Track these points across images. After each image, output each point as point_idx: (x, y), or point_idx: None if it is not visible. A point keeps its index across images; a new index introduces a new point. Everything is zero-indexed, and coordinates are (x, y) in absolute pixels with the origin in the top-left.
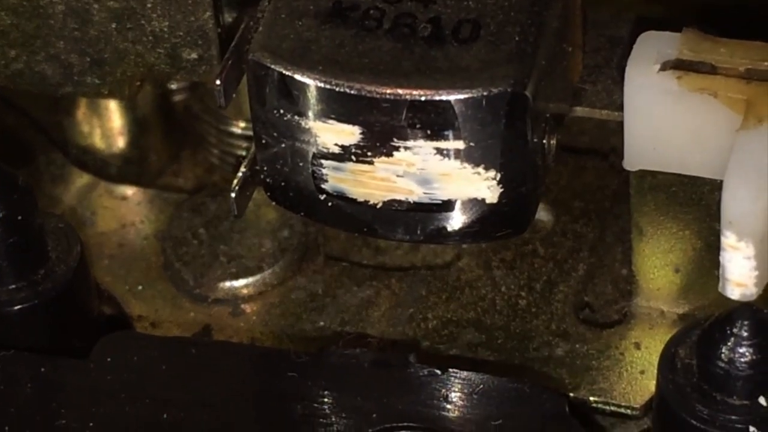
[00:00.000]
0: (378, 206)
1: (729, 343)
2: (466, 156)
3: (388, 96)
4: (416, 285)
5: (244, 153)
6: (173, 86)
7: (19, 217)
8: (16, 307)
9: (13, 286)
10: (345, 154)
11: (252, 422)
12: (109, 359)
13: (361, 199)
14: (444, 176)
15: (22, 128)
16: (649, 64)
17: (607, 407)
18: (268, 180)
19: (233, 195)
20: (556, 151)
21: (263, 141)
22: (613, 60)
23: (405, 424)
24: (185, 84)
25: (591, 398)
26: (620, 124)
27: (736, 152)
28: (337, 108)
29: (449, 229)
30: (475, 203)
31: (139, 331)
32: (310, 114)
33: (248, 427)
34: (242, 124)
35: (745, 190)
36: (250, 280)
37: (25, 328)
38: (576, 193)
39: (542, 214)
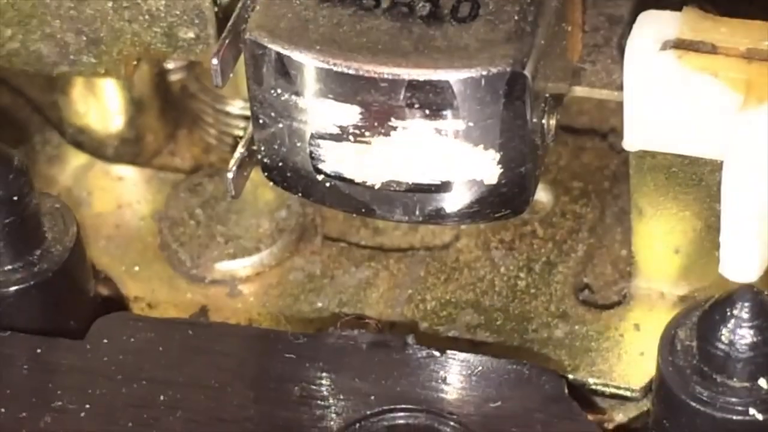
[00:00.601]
0: (376, 187)
1: (729, 325)
2: (464, 136)
3: (386, 75)
4: (415, 266)
5: (241, 133)
6: (170, 66)
7: (15, 198)
8: (12, 288)
9: (9, 267)
10: (343, 134)
11: (249, 404)
12: (105, 340)
13: (359, 180)
14: (442, 156)
15: (18, 108)
16: (649, 43)
17: (607, 389)
18: (265, 160)
19: (230, 175)
20: (557, 130)
21: (260, 121)
22: (612, 39)
23: (403, 405)
24: (182, 63)
25: (590, 380)
26: (620, 104)
27: (736, 133)
28: (335, 87)
29: (448, 209)
30: (473, 184)
31: (136, 312)
32: (308, 93)
33: (246, 409)
34: (239, 104)
35: (745, 171)
36: (248, 260)
37: (21, 308)
38: (575, 174)
39: (541, 195)
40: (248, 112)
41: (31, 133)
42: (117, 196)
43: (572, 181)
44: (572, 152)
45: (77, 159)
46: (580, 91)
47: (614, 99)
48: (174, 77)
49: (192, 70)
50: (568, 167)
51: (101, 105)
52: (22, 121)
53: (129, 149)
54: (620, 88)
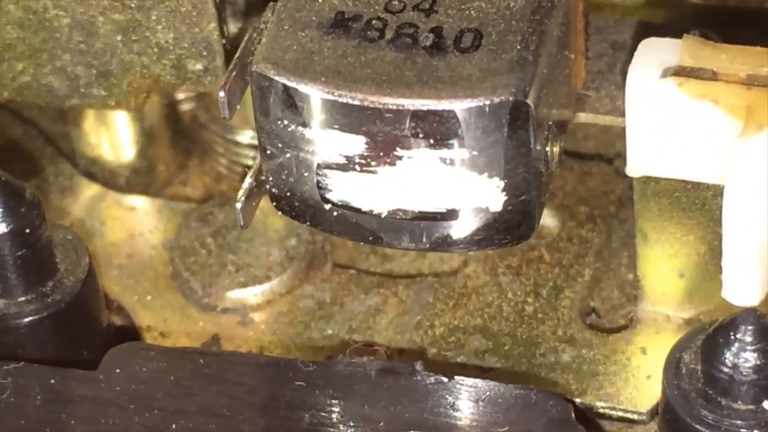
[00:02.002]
0: (383, 215)
1: (733, 349)
2: (469, 164)
3: (391, 106)
4: (423, 292)
5: (251, 162)
6: (180, 96)
7: (27, 230)
8: (26, 320)
9: (23, 299)
10: (349, 164)
11: (260, 431)
12: (117, 370)
13: (365, 209)
14: (448, 185)
15: (31, 140)
16: (650, 70)
17: (614, 412)
18: (273, 190)
19: (239, 206)
20: (561, 157)
21: (268, 151)
22: (616, 65)
23: (412, 431)
24: (192, 94)
25: (598, 403)
26: (624, 129)
27: (736, 158)
28: (341, 118)
29: (454, 237)
30: (479, 211)
31: (149, 341)
32: (314, 124)
33: None
34: (249, 134)
35: (746, 196)
36: (258, 289)
37: (35, 339)
38: (581, 199)
39: (548, 220)
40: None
41: (43, 164)
42: (129, 226)
43: (578, 206)
44: (578, 177)
45: (89, 190)
46: (584, 117)
47: (619, 125)
48: (184, 108)
49: (202, 100)
50: (574, 192)
51: (113, 136)
52: (34, 153)
53: (141, 179)
54: (624, 114)
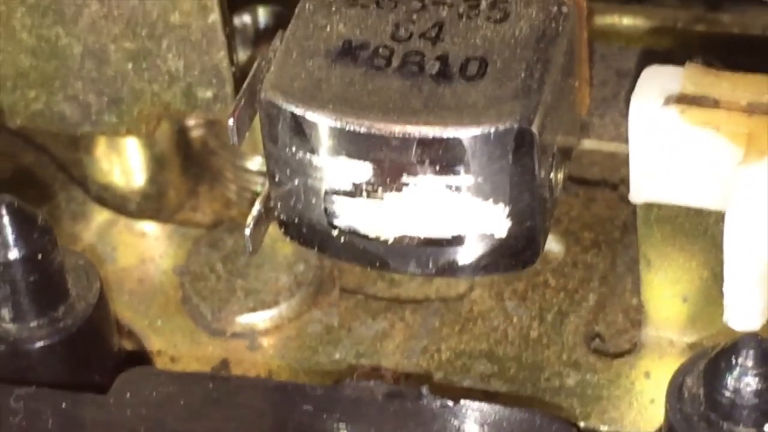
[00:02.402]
0: (389, 241)
1: (735, 373)
2: (475, 191)
3: (397, 133)
4: (430, 317)
5: (260, 188)
6: (190, 123)
7: (40, 256)
8: (38, 344)
9: (35, 323)
10: (356, 191)
11: None
12: (128, 395)
13: (372, 235)
14: (453, 211)
15: (43, 166)
16: (653, 98)
17: None
18: (282, 216)
19: (248, 232)
20: (565, 183)
21: (276, 178)
22: (620, 93)
23: None
24: (202, 121)
25: (602, 427)
26: (628, 156)
27: (738, 185)
28: (348, 146)
29: (460, 262)
30: (484, 237)
31: (159, 365)
32: (322, 151)
33: None
34: (259, 160)
35: (747, 223)
36: (267, 313)
37: (46, 364)
38: (586, 224)
39: (553, 245)
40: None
41: (55, 190)
42: (140, 252)
43: (583, 231)
44: (583, 203)
45: (101, 215)
46: (589, 143)
47: (623, 151)
48: (194, 134)
49: (212, 127)
50: (579, 218)
51: (124, 162)
52: (47, 179)
53: (151, 205)
54: (628, 140)
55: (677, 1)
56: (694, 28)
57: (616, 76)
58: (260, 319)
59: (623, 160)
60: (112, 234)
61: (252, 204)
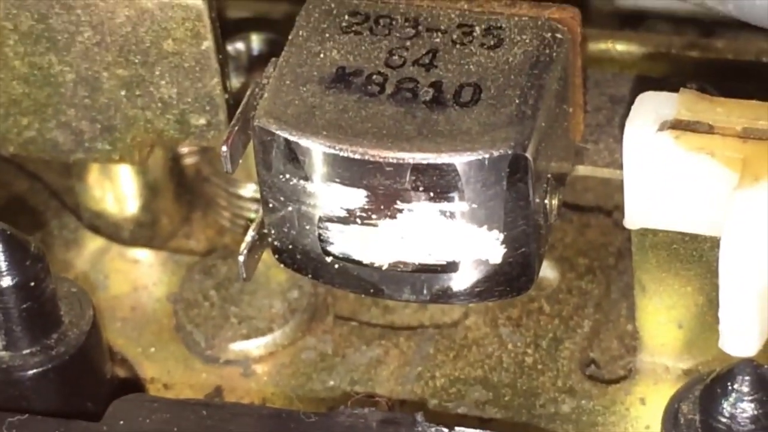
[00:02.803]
0: (384, 268)
1: (730, 399)
2: (469, 217)
3: (391, 160)
4: (424, 344)
5: (253, 215)
6: (183, 150)
7: (32, 283)
8: (30, 372)
9: (27, 351)
10: (350, 217)
11: None
12: (121, 422)
13: (367, 261)
14: (448, 237)
15: (35, 193)
16: (647, 124)
17: None
18: (275, 243)
19: (241, 259)
20: (560, 209)
21: (270, 205)
22: (614, 119)
23: None
24: (195, 148)
25: None
26: (623, 182)
27: (732, 210)
28: (342, 172)
29: (454, 289)
30: (479, 263)
31: (152, 392)
32: (316, 178)
33: None
34: (252, 187)
35: (742, 248)
36: (261, 340)
37: (39, 392)
38: (581, 251)
39: (547, 272)
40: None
41: (48, 218)
42: (133, 279)
43: (578, 257)
44: (577, 229)
45: (94, 243)
46: (583, 170)
47: (617, 177)
48: (188, 161)
49: (205, 154)
50: (574, 244)
51: (117, 190)
52: (39, 207)
53: (144, 232)
54: (622, 166)
55: (670, 27)
56: (688, 54)
57: (609, 102)
58: (254, 346)
59: (617, 187)
60: (104, 261)
61: (245, 231)
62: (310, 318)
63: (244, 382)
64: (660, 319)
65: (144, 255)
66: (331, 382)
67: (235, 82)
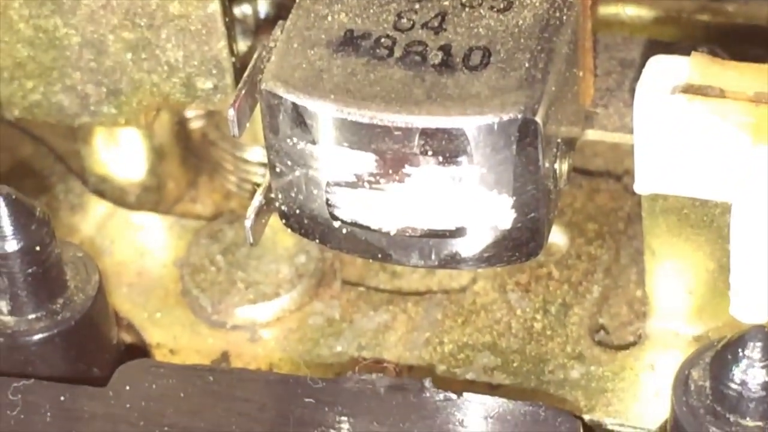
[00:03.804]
0: (392, 233)
1: (741, 365)
2: (478, 182)
3: (399, 124)
4: (432, 309)
5: (260, 179)
6: (189, 114)
7: (37, 248)
8: (36, 337)
9: (33, 316)
10: (358, 182)
11: None
12: (127, 387)
13: (374, 226)
14: (456, 202)
15: (40, 157)
16: (659, 88)
17: (623, 429)
18: (283, 208)
19: (248, 223)
20: (570, 174)
21: (277, 169)
22: (624, 83)
23: None
24: (201, 112)
25: (606, 420)
26: (633, 147)
27: (744, 175)
28: (350, 136)
29: (463, 254)
30: (488, 229)
31: (159, 358)
32: (323, 142)
33: None
34: (259, 151)
35: (753, 212)
36: (268, 306)
37: (45, 357)
38: (590, 216)
39: (557, 237)
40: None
41: (53, 182)
42: (139, 244)
43: (587, 223)
44: (587, 194)
45: (99, 207)
46: (593, 134)
47: (627, 142)
48: (194, 125)
49: (212, 118)
50: (583, 209)
51: (122, 154)
52: (44, 171)
53: (150, 197)
54: (633, 131)
55: None
56: (698, 18)
57: (619, 66)
58: (261, 311)
59: (627, 151)
60: (110, 226)
61: (252, 195)
62: (317, 283)
63: (250, 348)
64: (670, 284)
65: (150, 219)
66: (339, 348)
67: (242, 45)
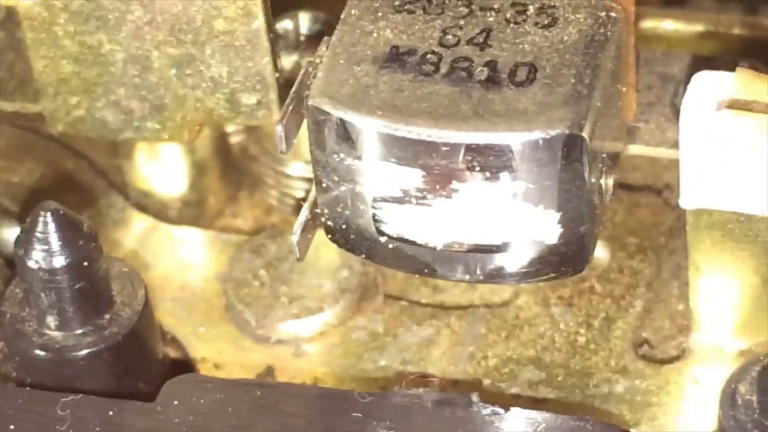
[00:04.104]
0: (438, 248)
1: None
2: (524, 197)
3: (446, 139)
4: (475, 323)
5: (301, 194)
6: (230, 129)
7: (85, 263)
8: (83, 352)
9: (80, 331)
10: (405, 197)
11: None
12: (175, 402)
13: (421, 241)
14: (503, 217)
15: (83, 172)
16: (705, 103)
17: None
18: (329, 223)
19: (295, 238)
20: (614, 189)
21: (324, 184)
22: (665, 97)
23: None
24: (242, 126)
25: None
26: (673, 161)
27: None
28: (397, 152)
29: (508, 269)
30: (534, 243)
31: (203, 372)
32: (370, 158)
33: None
34: (300, 166)
35: None
36: (312, 320)
37: (92, 372)
38: (631, 230)
39: (598, 251)
40: (309, 174)
41: (95, 197)
42: (181, 258)
43: (628, 237)
44: (627, 209)
45: (142, 222)
46: (634, 148)
47: (668, 156)
48: (235, 140)
49: (252, 132)
50: (624, 223)
51: (164, 168)
52: (86, 186)
53: (191, 212)
54: (674, 145)
55: (716, 5)
56: (736, 32)
57: (660, 81)
58: (304, 325)
59: (667, 165)
60: (152, 240)
61: (293, 210)
62: (360, 297)
63: (295, 362)
64: (714, 299)
65: (191, 234)
66: (383, 362)
67: (286, 61)
